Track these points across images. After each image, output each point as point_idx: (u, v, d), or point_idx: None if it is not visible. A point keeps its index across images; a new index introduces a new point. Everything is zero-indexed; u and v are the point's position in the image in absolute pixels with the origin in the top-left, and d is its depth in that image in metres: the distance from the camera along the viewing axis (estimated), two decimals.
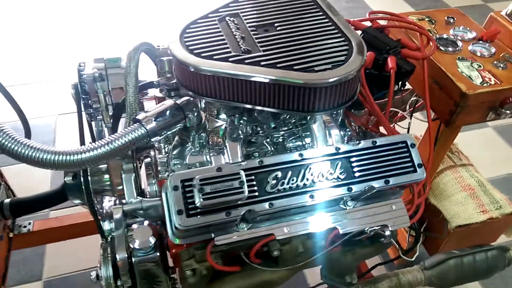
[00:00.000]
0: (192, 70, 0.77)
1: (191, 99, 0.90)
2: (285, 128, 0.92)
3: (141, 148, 0.98)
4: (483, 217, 1.26)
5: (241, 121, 0.88)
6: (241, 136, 0.89)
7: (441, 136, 1.13)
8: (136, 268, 0.83)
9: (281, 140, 0.93)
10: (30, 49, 2.80)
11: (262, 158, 0.77)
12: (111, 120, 0.98)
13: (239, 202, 0.73)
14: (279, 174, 0.77)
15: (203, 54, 0.78)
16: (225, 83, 0.76)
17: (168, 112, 0.85)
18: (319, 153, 0.80)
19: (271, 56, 0.77)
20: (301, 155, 0.79)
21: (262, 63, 0.75)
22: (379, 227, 0.84)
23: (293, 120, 0.89)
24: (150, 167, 0.99)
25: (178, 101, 0.88)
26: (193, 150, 0.91)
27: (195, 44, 0.79)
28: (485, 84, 0.94)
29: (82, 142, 0.95)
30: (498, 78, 0.96)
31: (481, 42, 1.07)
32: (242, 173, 0.71)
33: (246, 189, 0.71)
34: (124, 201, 0.94)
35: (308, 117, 0.91)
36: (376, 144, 0.82)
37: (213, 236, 0.82)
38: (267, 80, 0.74)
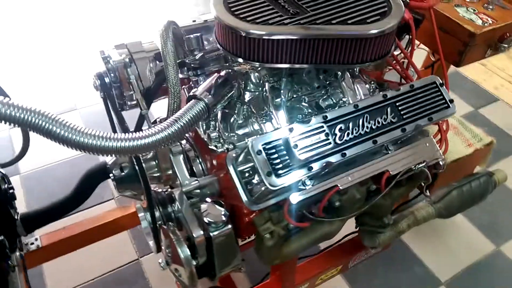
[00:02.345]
0: (246, 36, 0.78)
1: (231, 71, 0.91)
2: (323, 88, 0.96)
3: None
4: (470, 150, 1.42)
5: (288, 86, 0.90)
6: (284, 100, 0.92)
7: None
8: (214, 242, 0.84)
9: (315, 101, 0.98)
10: None
11: (325, 113, 0.81)
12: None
13: (318, 156, 0.77)
14: (343, 126, 0.82)
15: (257, 21, 0.79)
16: (286, 46, 0.78)
17: (218, 85, 0.85)
18: (370, 102, 0.86)
19: (323, 15, 0.81)
20: (356, 106, 0.84)
21: (318, 21, 0.79)
22: (425, 163, 0.93)
23: (332, 78, 0.94)
24: (191, 149, 0.99)
25: (222, 74, 0.89)
26: (239, 122, 0.92)
27: (245, 12, 0.80)
28: (485, 24, 1.07)
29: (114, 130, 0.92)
30: (493, 18, 1.10)
31: None
32: (325, 125, 0.75)
33: (331, 138, 0.75)
34: (177, 183, 0.93)
35: (339, 75, 0.97)
36: (414, 87, 0.90)
37: (281, 198, 0.85)
38: (331, 36, 0.77)
